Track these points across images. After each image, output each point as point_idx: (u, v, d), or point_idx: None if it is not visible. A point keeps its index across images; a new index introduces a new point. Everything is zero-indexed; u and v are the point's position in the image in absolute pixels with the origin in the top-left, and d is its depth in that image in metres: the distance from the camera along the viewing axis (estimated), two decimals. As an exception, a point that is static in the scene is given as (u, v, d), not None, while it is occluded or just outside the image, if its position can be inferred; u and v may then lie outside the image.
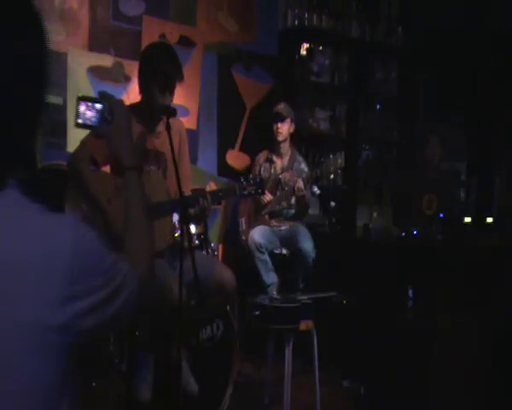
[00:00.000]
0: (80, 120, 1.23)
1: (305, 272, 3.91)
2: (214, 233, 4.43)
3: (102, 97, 1.23)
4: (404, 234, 3.70)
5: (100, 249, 0.85)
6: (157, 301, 2.21)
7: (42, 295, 0.76)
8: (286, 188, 4.10)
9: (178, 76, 2.63)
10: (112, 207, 2.45)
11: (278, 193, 4.14)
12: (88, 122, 1.22)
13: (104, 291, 0.84)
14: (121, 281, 0.88)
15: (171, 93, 2.62)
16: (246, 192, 2.69)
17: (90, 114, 1.22)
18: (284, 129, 4.14)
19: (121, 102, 1.25)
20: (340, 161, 3.77)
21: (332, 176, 5.21)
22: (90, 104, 1.22)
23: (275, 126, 4.15)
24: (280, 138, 4.16)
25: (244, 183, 2.68)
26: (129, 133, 1.20)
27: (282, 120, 4.12)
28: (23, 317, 0.75)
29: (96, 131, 1.26)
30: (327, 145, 5.31)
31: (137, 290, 0.93)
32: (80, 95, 1.24)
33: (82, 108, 1.22)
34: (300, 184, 3.87)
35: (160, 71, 2.57)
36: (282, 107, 4.18)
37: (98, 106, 1.22)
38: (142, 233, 1.10)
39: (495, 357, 2.77)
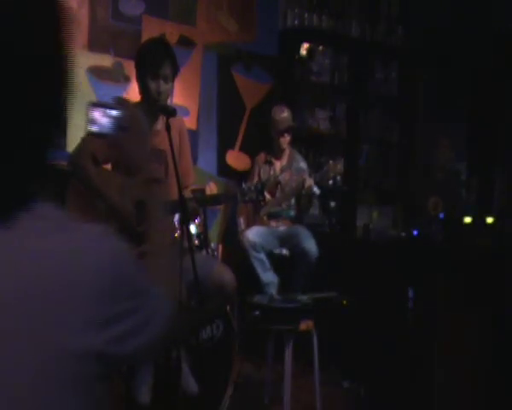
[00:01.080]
0: (95, 128, 1.11)
1: (307, 272, 3.91)
2: (214, 233, 4.43)
3: (118, 103, 1.13)
4: (404, 234, 3.70)
5: (137, 269, 0.78)
6: None
7: (80, 319, 0.69)
8: (286, 189, 4.10)
9: (169, 61, 2.62)
10: (119, 202, 2.46)
11: (278, 194, 4.13)
12: (103, 130, 1.11)
13: (141, 314, 0.76)
14: (157, 305, 0.81)
15: (166, 81, 2.61)
16: (246, 198, 2.69)
17: (104, 121, 1.10)
18: (289, 138, 4.18)
19: (136, 109, 1.15)
20: (339, 166, 3.77)
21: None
22: (104, 110, 1.10)
23: (280, 135, 4.14)
24: (284, 146, 4.18)
25: (245, 189, 2.69)
26: (146, 142, 1.12)
27: (289, 131, 4.14)
28: (61, 343, 0.68)
29: (110, 139, 1.14)
30: (327, 145, 5.31)
31: (171, 316, 0.85)
32: (93, 101, 1.15)
33: (96, 114, 1.10)
34: (311, 182, 3.87)
35: (149, 57, 2.58)
36: (286, 116, 4.16)
37: (114, 112, 1.10)
38: (169, 260, 1.03)
39: (495, 357, 2.77)
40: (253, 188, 2.69)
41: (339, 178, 3.89)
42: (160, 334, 0.81)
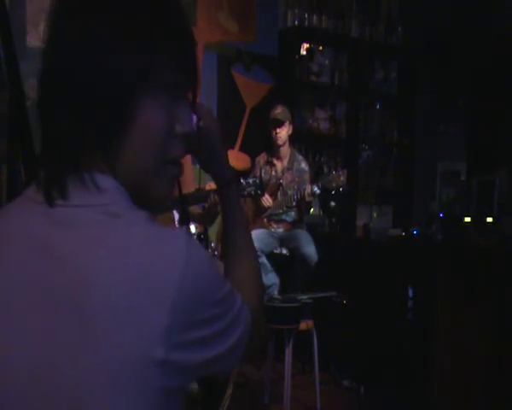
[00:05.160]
0: None
1: (306, 276, 3.90)
2: (214, 233, 4.43)
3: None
4: (404, 234, 3.70)
5: (214, 275, 0.70)
6: None
7: (140, 323, 0.63)
8: (289, 192, 4.09)
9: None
10: None
11: (280, 197, 4.13)
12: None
13: (215, 326, 0.70)
14: (235, 316, 0.73)
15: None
16: (245, 193, 2.69)
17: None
18: (283, 133, 4.12)
19: (208, 108, 1.04)
20: (342, 178, 3.76)
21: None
22: None
23: (273, 132, 4.13)
24: (279, 143, 4.14)
25: (244, 184, 2.69)
26: (221, 143, 1.02)
27: (281, 125, 4.10)
28: (117, 348, 0.63)
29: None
30: (327, 145, 5.32)
31: (250, 329, 0.77)
32: None
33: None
34: (309, 189, 3.87)
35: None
36: (279, 111, 4.13)
37: None
38: (252, 261, 0.95)
39: (495, 357, 2.77)
40: (251, 182, 2.69)
41: (341, 189, 3.89)
42: (236, 348, 0.75)
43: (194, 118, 0.98)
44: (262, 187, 2.72)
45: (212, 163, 1.00)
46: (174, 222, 2.79)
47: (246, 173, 4.50)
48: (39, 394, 0.64)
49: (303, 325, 3.14)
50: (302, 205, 4.04)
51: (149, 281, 0.63)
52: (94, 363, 0.63)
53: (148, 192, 0.75)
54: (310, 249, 3.84)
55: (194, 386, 2.70)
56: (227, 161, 1.01)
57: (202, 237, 3.33)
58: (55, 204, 0.68)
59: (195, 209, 3.05)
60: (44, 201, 0.68)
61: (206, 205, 2.80)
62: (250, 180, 2.72)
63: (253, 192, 2.70)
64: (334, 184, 3.87)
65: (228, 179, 0.98)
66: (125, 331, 0.62)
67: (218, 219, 4.66)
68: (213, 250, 3.47)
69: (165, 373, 0.64)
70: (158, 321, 0.63)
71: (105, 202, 0.68)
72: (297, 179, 4.15)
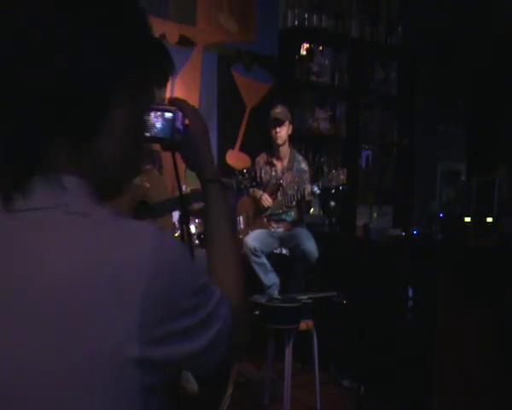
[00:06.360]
0: (148, 133, 1.03)
1: (307, 273, 3.91)
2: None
3: (173, 104, 1.05)
4: (404, 234, 3.70)
5: (188, 267, 0.69)
6: None
7: (112, 321, 0.62)
8: (289, 192, 4.10)
9: (173, 70, 2.63)
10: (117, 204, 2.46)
11: (280, 197, 4.13)
12: (158, 134, 1.03)
13: (192, 318, 0.68)
14: (213, 309, 0.72)
15: (165, 86, 2.63)
16: (242, 186, 2.72)
17: (159, 125, 1.03)
18: (283, 133, 4.13)
19: (194, 108, 1.05)
20: (342, 177, 3.77)
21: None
22: (157, 114, 1.03)
23: (273, 131, 4.13)
24: (279, 142, 4.15)
25: (240, 177, 2.72)
26: (207, 141, 1.02)
27: (280, 124, 4.11)
28: (90, 349, 0.62)
29: (165, 144, 1.06)
30: (327, 145, 5.32)
31: (231, 325, 0.77)
32: None
33: (149, 119, 1.04)
34: (309, 189, 3.88)
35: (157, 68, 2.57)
36: (278, 111, 4.14)
37: (167, 115, 1.03)
38: (234, 258, 0.94)
39: (495, 357, 2.77)
40: (246, 175, 2.72)
41: (341, 187, 3.89)
42: (216, 343, 0.74)
43: (181, 117, 1.02)
44: (256, 178, 2.75)
45: (197, 161, 1.01)
46: (173, 224, 2.79)
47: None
48: (16, 401, 0.63)
49: (303, 325, 3.14)
50: (302, 205, 4.05)
51: (119, 279, 0.63)
52: (69, 365, 0.62)
53: (114, 189, 0.76)
54: (310, 245, 3.85)
55: (195, 386, 2.70)
56: (212, 158, 1.02)
57: (202, 237, 3.33)
58: (18, 208, 0.66)
59: (195, 205, 3.05)
60: (5, 205, 0.67)
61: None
62: (245, 173, 2.74)
63: (248, 184, 2.73)
64: (333, 183, 3.88)
65: (212, 176, 0.99)
66: (98, 332, 0.62)
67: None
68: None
69: (144, 370, 0.64)
70: (130, 319, 0.62)
71: (70, 201, 0.67)
72: (297, 179, 4.15)
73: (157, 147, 1.07)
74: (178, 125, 1.03)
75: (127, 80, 0.72)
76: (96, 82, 0.68)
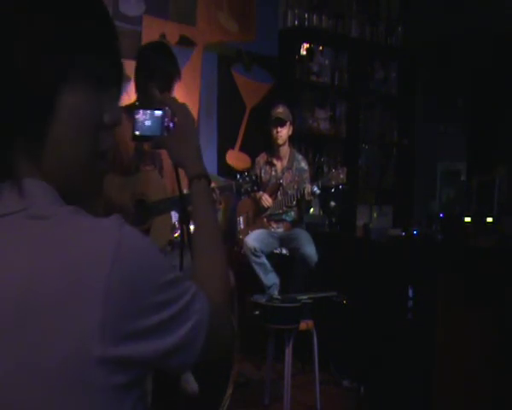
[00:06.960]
0: (138, 132, 1.07)
1: (306, 276, 3.90)
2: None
3: (163, 102, 1.07)
4: (404, 234, 3.70)
5: (153, 262, 0.67)
6: None
7: (72, 321, 0.61)
8: (289, 191, 4.10)
9: (177, 75, 2.63)
10: (118, 201, 2.47)
11: (280, 197, 4.13)
12: (147, 133, 1.06)
13: (160, 315, 0.66)
14: (186, 305, 0.70)
15: (170, 92, 2.62)
16: (242, 190, 2.71)
17: (148, 123, 1.06)
18: (284, 133, 4.13)
19: (185, 105, 1.06)
20: (342, 176, 3.78)
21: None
22: (147, 112, 1.06)
23: (274, 131, 4.13)
24: (280, 142, 4.15)
25: (240, 180, 2.71)
26: (195, 139, 1.03)
27: (282, 124, 4.11)
28: (54, 353, 0.60)
29: (155, 141, 1.09)
30: (327, 145, 5.32)
31: (209, 321, 0.75)
32: (136, 103, 1.12)
33: (139, 117, 1.07)
34: (309, 189, 3.88)
35: (160, 71, 2.57)
36: (280, 111, 4.15)
37: (157, 113, 1.06)
38: (219, 258, 0.94)
39: (495, 357, 2.77)
40: (247, 179, 2.71)
41: (341, 186, 3.89)
42: (192, 341, 0.72)
43: (170, 114, 1.04)
44: (257, 182, 2.73)
45: (185, 158, 1.02)
46: (173, 224, 2.79)
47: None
48: None
49: (303, 325, 3.14)
50: (302, 204, 4.05)
51: (78, 278, 0.61)
52: (33, 366, 0.61)
53: (80, 188, 0.75)
54: (310, 250, 3.84)
55: (195, 386, 2.70)
56: (199, 155, 1.03)
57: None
58: None
59: None
60: None
61: None
62: (246, 177, 2.73)
63: (249, 189, 2.72)
64: (333, 182, 3.88)
65: (199, 174, 1.00)
66: (58, 332, 0.60)
67: (218, 220, 4.67)
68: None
69: (110, 370, 0.62)
70: (90, 317, 0.61)
71: (29, 205, 0.66)
72: (297, 179, 4.16)
73: (147, 145, 1.09)
74: (168, 122, 1.05)
75: (76, 78, 0.70)
76: (41, 81, 0.68)
